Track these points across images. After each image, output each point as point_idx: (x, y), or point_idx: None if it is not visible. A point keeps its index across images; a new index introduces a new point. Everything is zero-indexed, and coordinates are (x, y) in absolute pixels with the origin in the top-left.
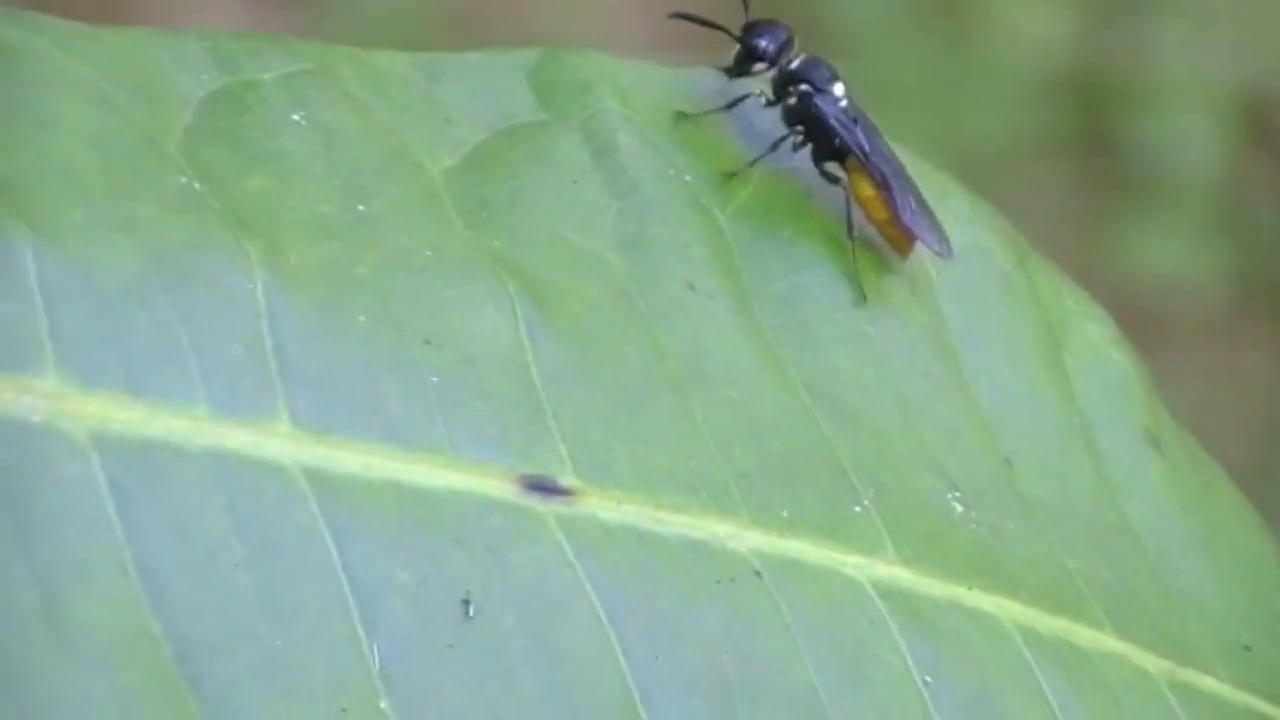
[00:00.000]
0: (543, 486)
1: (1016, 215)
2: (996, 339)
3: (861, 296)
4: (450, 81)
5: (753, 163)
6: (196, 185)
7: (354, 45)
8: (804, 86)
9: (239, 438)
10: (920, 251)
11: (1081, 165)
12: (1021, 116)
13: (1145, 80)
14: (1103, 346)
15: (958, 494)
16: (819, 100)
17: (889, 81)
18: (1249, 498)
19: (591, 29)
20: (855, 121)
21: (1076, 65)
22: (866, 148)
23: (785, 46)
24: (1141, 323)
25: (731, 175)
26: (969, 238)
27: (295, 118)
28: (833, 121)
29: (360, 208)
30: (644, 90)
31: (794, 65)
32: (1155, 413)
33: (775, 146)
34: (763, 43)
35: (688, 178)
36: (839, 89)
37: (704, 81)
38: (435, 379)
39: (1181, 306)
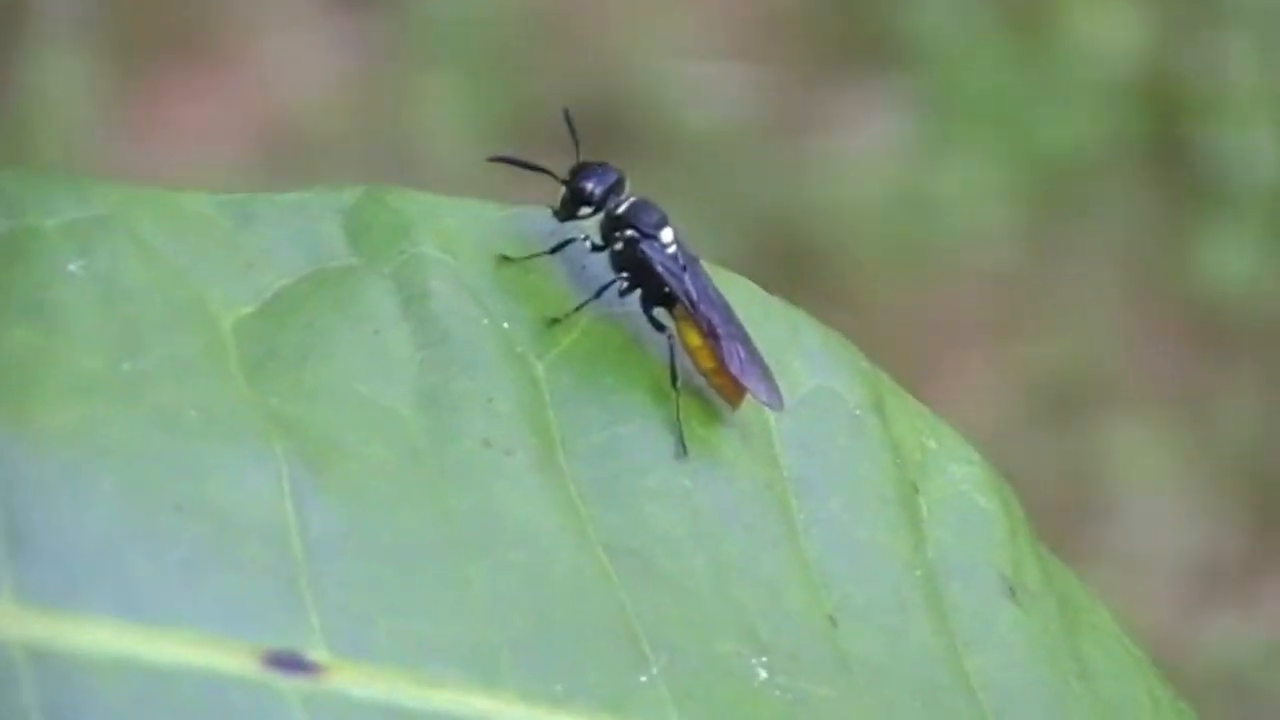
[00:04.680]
0: (286, 662)
1: (1088, 223)
2: (838, 488)
3: (682, 448)
4: (260, 224)
5: (578, 308)
6: None
7: (431, 52)
8: (630, 232)
9: None
10: (757, 400)
11: (1154, 173)
12: (1094, 126)
13: (1217, 90)
14: (965, 489)
15: (764, 659)
16: (645, 246)
17: (962, 92)
18: None
19: (669, 29)
20: (685, 268)
21: (1149, 75)
22: (694, 295)
23: (613, 190)
24: (1211, 330)
25: (554, 321)
26: (818, 379)
27: (73, 268)
28: (659, 268)
29: (126, 366)
30: (469, 232)
31: (621, 210)
32: (1018, 558)
33: (601, 292)
34: (589, 186)
35: (505, 325)
36: (668, 234)
37: (533, 223)
38: (182, 549)
39: (1252, 314)
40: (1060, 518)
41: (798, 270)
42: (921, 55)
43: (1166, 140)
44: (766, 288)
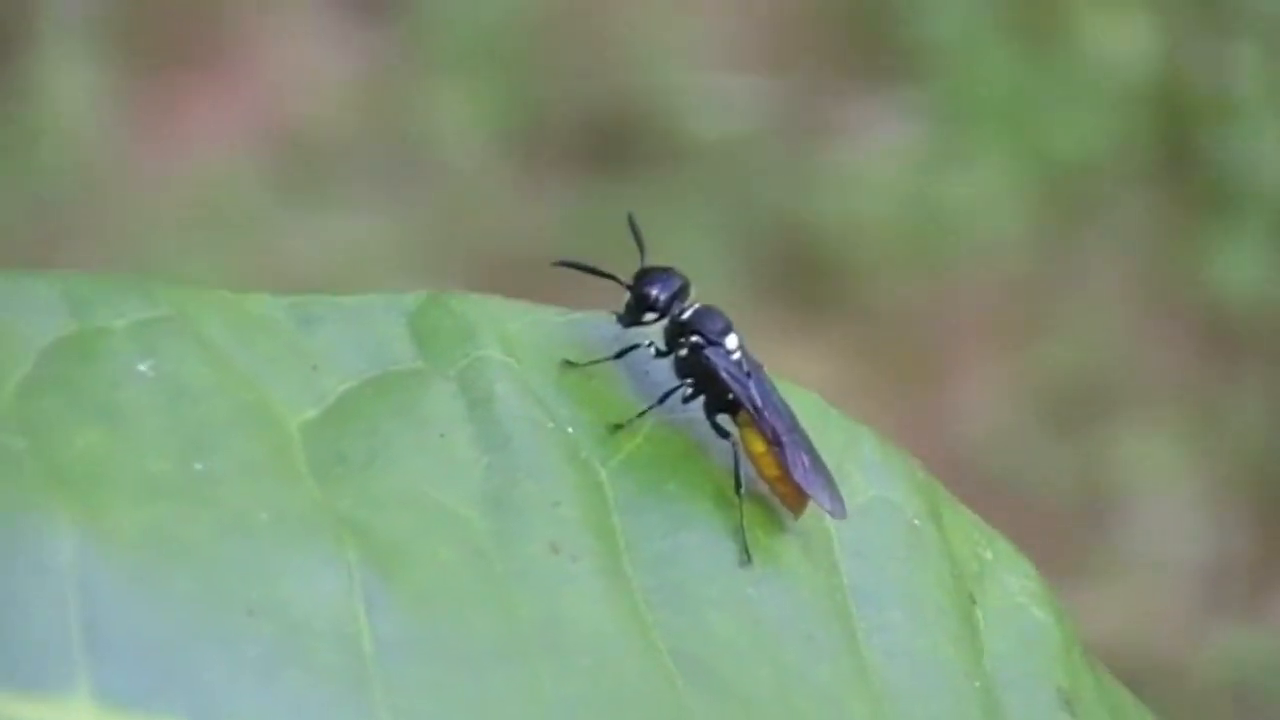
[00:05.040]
0: None
1: (1099, 229)
2: (898, 597)
3: (746, 556)
4: (324, 326)
5: (641, 414)
6: (19, 443)
7: (443, 59)
8: (695, 338)
9: (32, 712)
10: (820, 508)
11: (1164, 180)
12: (1104, 133)
13: (1226, 97)
14: (1022, 601)
15: None
16: (710, 352)
17: (973, 100)
18: None
19: (682, 39)
20: (749, 375)
21: (1159, 82)
22: (758, 402)
23: (678, 295)
24: (1221, 335)
25: (618, 427)
26: (876, 490)
27: (142, 368)
28: (723, 374)
29: (198, 466)
30: (532, 337)
31: (685, 316)
32: (1073, 670)
33: (664, 398)
34: (654, 292)
35: (570, 430)
36: (732, 340)
37: (596, 329)
38: (254, 650)
39: (1261, 319)
40: (1070, 522)
41: (810, 279)
42: (933, 64)
43: (1176, 147)
44: (778, 296)
